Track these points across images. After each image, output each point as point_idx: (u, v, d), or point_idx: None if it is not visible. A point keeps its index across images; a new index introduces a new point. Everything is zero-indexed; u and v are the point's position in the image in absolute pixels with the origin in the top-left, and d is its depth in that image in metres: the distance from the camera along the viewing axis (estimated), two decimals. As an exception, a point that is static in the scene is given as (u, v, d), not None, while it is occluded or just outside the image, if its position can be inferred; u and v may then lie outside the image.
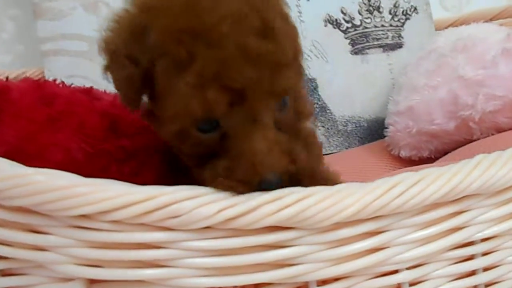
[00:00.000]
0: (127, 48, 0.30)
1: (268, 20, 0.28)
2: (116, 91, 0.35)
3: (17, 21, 0.82)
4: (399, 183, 0.28)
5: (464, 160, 0.30)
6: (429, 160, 0.61)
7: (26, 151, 0.36)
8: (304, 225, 0.28)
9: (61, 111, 0.38)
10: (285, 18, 0.31)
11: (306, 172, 0.30)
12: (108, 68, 0.33)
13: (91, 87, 0.45)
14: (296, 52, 0.31)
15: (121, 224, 0.27)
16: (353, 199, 0.28)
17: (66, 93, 0.40)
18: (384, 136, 0.66)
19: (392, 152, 0.64)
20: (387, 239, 0.30)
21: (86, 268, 0.27)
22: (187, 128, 0.29)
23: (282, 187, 0.28)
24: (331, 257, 0.29)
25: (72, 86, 0.49)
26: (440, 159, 0.58)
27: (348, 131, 0.73)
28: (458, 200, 0.30)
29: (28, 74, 0.69)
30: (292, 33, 0.31)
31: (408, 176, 0.29)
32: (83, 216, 0.26)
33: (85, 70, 0.69)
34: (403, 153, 0.62)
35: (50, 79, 0.68)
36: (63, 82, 0.45)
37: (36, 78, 0.69)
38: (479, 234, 0.31)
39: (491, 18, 0.77)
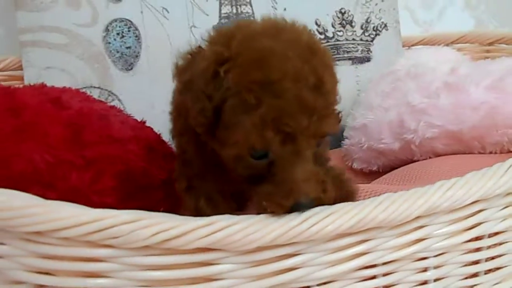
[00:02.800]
0: (205, 86, 0.36)
1: (321, 77, 0.35)
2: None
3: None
4: (314, 215, 0.33)
5: (371, 198, 0.36)
6: (378, 173, 0.66)
7: (-9, 160, 0.40)
8: (229, 247, 0.32)
9: (28, 122, 0.42)
10: (332, 73, 0.38)
11: (331, 202, 0.36)
12: (181, 93, 0.40)
13: (62, 93, 0.49)
14: (336, 102, 0.38)
15: (69, 240, 0.31)
16: (273, 227, 0.33)
17: (34, 103, 0.44)
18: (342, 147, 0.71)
19: (346, 163, 0.69)
20: (301, 261, 0.35)
21: (36, 275, 0.31)
22: (243, 154, 0.36)
23: None
24: (252, 275, 0.34)
25: (42, 87, 0.53)
26: (387, 174, 0.63)
27: (311, 137, 0.77)
28: (364, 231, 0.35)
29: (6, 63, 0.72)
30: (335, 86, 0.38)
31: (322, 209, 0.34)
32: (36, 232, 0.31)
33: (63, 62, 0.71)
34: (355, 165, 0.68)
35: (28, 69, 0.71)
36: (33, 88, 0.48)
37: (13, 68, 0.72)
38: (381, 259, 0.37)
39: (454, 40, 0.82)
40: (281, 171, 0.35)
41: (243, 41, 0.36)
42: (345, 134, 0.70)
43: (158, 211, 0.33)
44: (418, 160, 0.61)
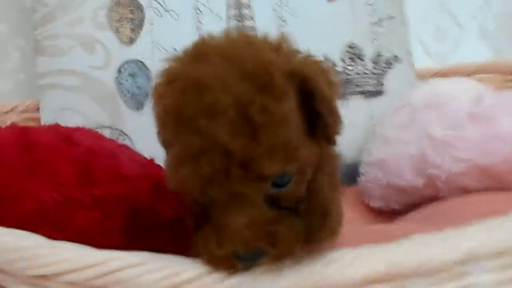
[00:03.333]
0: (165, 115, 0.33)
1: (253, 110, 0.29)
2: None
3: (22, 52, 0.86)
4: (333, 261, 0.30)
5: (399, 240, 0.31)
6: (399, 212, 0.62)
7: (2, 198, 0.39)
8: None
9: (38, 160, 0.42)
10: (286, 105, 0.30)
11: (289, 255, 0.31)
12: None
13: (74, 131, 0.49)
14: (293, 137, 0.31)
15: (75, 285, 0.30)
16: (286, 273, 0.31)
17: (46, 140, 0.44)
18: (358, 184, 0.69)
19: (363, 201, 0.67)
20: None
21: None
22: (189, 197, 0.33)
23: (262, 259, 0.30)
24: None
25: (56, 127, 0.53)
26: (411, 213, 0.60)
27: (327, 174, 0.75)
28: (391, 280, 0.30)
29: (24, 106, 0.73)
30: (287, 119, 0.30)
31: (343, 253, 0.30)
32: (41, 276, 0.29)
33: (77, 104, 0.72)
34: (373, 203, 0.65)
35: (45, 111, 0.72)
36: (47, 127, 0.48)
37: (31, 110, 0.74)
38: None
39: (473, 72, 0.79)
40: (217, 216, 0.31)
41: (182, 65, 0.33)
42: (360, 170, 0.68)
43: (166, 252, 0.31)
44: (444, 197, 0.56)
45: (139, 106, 0.74)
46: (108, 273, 0.29)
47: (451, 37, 0.99)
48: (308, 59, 0.35)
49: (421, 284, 0.31)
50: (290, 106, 0.31)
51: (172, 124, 0.31)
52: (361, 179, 0.67)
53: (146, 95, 0.74)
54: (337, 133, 0.35)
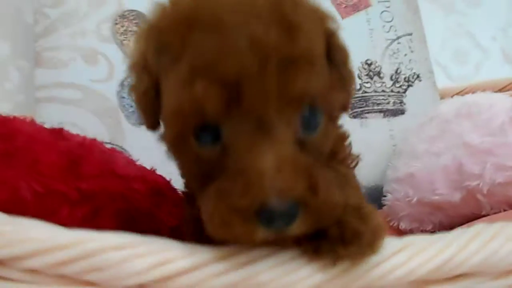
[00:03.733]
0: (143, 58, 0.27)
1: (285, 10, 0.24)
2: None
3: (22, 72, 0.83)
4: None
5: (461, 229, 0.25)
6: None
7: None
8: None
9: (19, 147, 0.35)
10: (315, 17, 0.26)
11: (333, 212, 0.23)
12: (131, 88, 0.30)
13: (62, 128, 0.43)
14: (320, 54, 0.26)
15: (39, 274, 0.22)
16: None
17: (29, 130, 0.38)
18: (383, 206, 0.61)
19: (391, 224, 0.59)
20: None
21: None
22: (184, 135, 0.25)
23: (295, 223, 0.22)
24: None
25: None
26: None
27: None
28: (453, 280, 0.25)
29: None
30: (317, 30, 0.26)
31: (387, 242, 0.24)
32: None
33: (75, 117, 0.68)
34: (403, 225, 0.57)
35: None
36: (33, 120, 0.42)
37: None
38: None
39: (500, 89, 0.73)
40: (238, 157, 0.23)
41: None
42: (385, 188, 0.61)
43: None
44: (488, 215, 0.49)
45: (140, 121, 0.69)
46: (83, 257, 0.22)
47: (472, 61, 0.94)
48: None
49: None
50: (318, 26, 0.27)
51: (180, 31, 0.24)
52: (388, 199, 0.59)
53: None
54: (352, 96, 0.30)
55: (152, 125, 0.29)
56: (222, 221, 0.22)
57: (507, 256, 0.24)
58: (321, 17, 0.28)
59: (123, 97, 0.69)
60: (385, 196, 0.60)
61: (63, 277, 0.22)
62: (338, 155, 0.31)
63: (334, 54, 0.28)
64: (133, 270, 0.22)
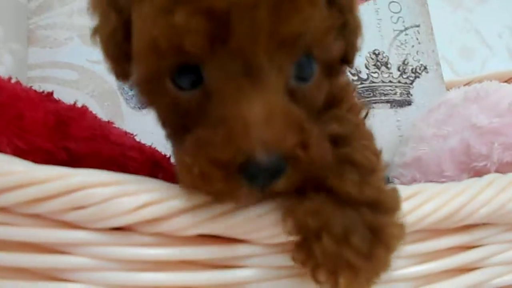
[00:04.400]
0: None
1: None
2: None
3: (15, 55, 0.81)
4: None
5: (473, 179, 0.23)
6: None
7: None
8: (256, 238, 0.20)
9: (0, 103, 0.33)
10: None
11: (322, 169, 0.21)
12: (94, 31, 0.27)
13: (51, 92, 0.41)
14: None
15: (9, 213, 0.20)
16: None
17: (14, 87, 0.35)
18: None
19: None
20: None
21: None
22: (158, 77, 0.22)
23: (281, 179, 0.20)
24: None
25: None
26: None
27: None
28: (463, 230, 0.23)
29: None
30: None
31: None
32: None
33: (71, 99, 0.64)
34: (409, 211, 0.54)
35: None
36: (19, 81, 0.40)
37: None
38: (496, 281, 0.23)
39: (505, 81, 0.72)
40: (222, 105, 0.21)
41: None
42: (392, 174, 0.59)
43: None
44: None
45: (141, 105, 0.67)
46: (61, 193, 0.19)
47: (479, 58, 0.93)
48: None
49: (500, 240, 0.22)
50: None
51: None
52: (394, 184, 0.57)
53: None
54: (357, 48, 0.27)
55: (123, 73, 0.26)
56: (201, 175, 0.20)
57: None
58: None
59: (122, 79, 0.67)
60: (391, 182, 0.58)
61: (37, 217, 0.20)
62: (344, 103, 0.28)
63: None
64: (119, 209, 0.19)
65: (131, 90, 0.66)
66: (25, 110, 0.33)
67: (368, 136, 0.27)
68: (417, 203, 0.21)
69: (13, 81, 0.39)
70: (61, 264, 0.19)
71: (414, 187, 0.23)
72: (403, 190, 0.22)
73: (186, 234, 0.20)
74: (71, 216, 0.19)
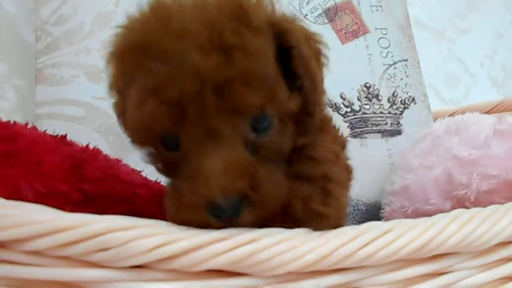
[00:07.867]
0: (114, 79, 0.31)
1: (220, 35, 0.26)
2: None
3: (19, 91, 0.83)
4: (366, 231, 0.25)
5: (440, 214, 0.27)
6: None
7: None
8: (254, 270, 0.24)
9: (21, 150, 0.36)
10: (262, 39, 0.28)
11: (275, 203, 0.27)
12: (113, 105, 0.34)
13: (65, 135, 0.44)
14: (269, 73, 0.28)
15: (41, 256, 0.23)
16: (312, 246, 0.24)
17: (31, 133, 0.39)
18: (382, 218, 0.62)
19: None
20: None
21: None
22: (150, 144, 0.29)
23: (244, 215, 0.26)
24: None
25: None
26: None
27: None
28: (434, 258, 0.26)
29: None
30: (266, 53, 0.28)
31: (376, 225, 0.25)
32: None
33: (77, 134, 0.66)
34: (399, 237, 0.58)
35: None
36: (35, 126, 0.44)
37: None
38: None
39: (488, 111, 0.77)
40: (192, 162, 0.27)
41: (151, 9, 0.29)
42: (383, 201, 0.62)
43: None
44: None
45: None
46: (88, 238, 0.22)
47: (463, 85, 0.97)
48: (291, 18, 0.32)
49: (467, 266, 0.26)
50: (265, 43, 0.28)
51: (134, 58, 0.27)
52: (385, 211, 0.60)
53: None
54: (317, 103, 0.32)
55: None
56: (177, 213, 0.26)
57: (481, 236, 0.25)
58: (278, 31, 0.29)
59: (125, 114, 0.71)
60: (382, 209, 0.61)
61: (66, 259, 0.23)
62: (327, 134, 0.34)
63: (296, 65, 0.30)
64: (137, 249, 0.22)
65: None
66: (44, 155, 0.37)
67: (343, 166, 0.33)
68: (394, 236, 0.25)
69: (29, 126, 0.42)
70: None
71: (391, 223, 0.26)
72: (382, 226, 0.25)
73: (195, 270, 0.23)
74: (96, 257, 0.23)
